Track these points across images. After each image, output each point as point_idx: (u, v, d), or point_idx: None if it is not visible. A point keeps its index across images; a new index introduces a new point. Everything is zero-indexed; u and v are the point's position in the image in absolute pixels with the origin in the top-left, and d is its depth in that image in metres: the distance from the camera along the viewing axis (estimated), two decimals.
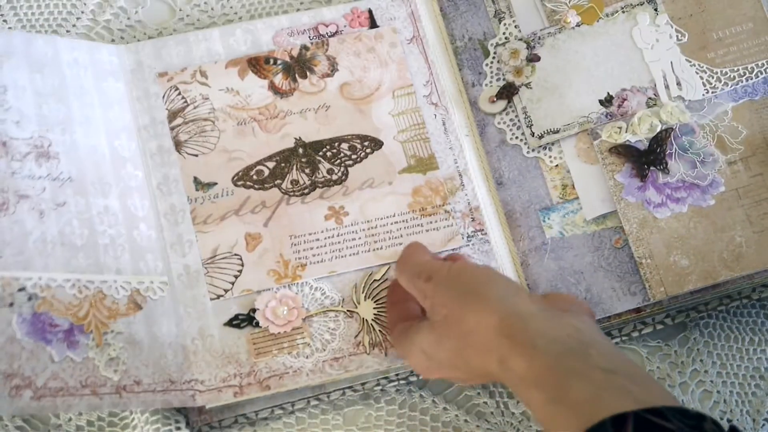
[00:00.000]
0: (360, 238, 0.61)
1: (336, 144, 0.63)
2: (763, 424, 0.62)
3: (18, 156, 0.57)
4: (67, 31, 0.70)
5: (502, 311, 0.47)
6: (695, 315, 0.63)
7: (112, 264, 0.57)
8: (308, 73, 0.65)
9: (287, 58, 0.65)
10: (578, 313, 0.49)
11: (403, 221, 0.62)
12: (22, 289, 0.53)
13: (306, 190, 0.62)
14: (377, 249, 0.61)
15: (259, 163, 0.63)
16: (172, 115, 0.63)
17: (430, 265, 0.53)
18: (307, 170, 0.63)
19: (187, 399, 0.56)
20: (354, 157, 0.63)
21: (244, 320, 0.59)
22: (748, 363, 0.63)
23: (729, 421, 0.62)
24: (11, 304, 0.52)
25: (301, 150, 0.63)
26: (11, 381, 0.50)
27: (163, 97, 0.63)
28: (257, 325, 0.59)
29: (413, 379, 0.61)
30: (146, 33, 0.69)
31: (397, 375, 0.61)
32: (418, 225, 0.62)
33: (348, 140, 0.64)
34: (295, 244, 0.61)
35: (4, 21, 0.70)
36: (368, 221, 0.62)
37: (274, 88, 0.64)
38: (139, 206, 0.60)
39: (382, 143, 0.64)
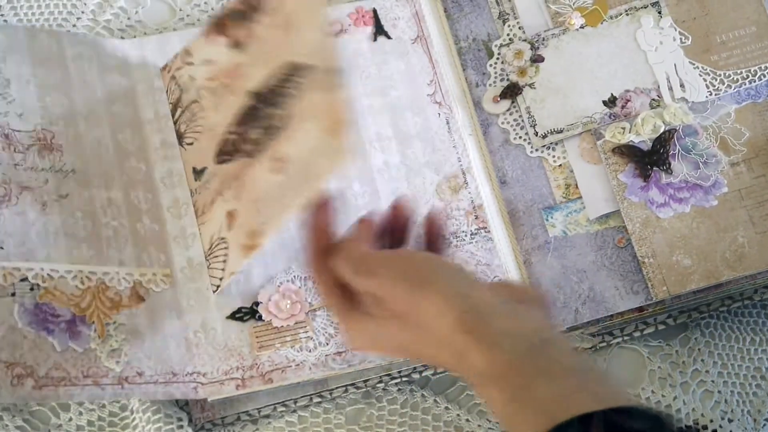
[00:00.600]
0: None
1: None
2: (764, 424, 0.62)
3: (21, 148, 0.56)
4: (68, 31, 0.70)
5: (460, 305, 0.44)
6: (697, 315, 0.63)
7: (114, 256, 0.57)
8: None
9: None
10: (535, 307, 0.47)
11: None
12: (24, 280, 0.52)
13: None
14: None
15: (227, 132, 0.59)
16: (174, 108, 0.62)
17: (370, 259, 0.47)
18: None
19: (189, 391, 0.56)
20: None
21: (247, 313, 0.58)
22: (749, 363, 0.63)
23: (730, 421, 0.62)
24: (13, 294, 0.52)
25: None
26: (13, 370, 0.50)
27: (166, 91, 0.63)
28: (260, 318, 0.58)
29: (416, 377, 0.61)
30: (146, 33, 0.69)
31: (399, 372, 0.60)
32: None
33: None
34: (261, 209, 0.56)
35: (5, 21, 0.69)
36: None
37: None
38: (142, 199, 0.60)
39: None
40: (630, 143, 0.62)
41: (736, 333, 0.64)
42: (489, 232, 0.62)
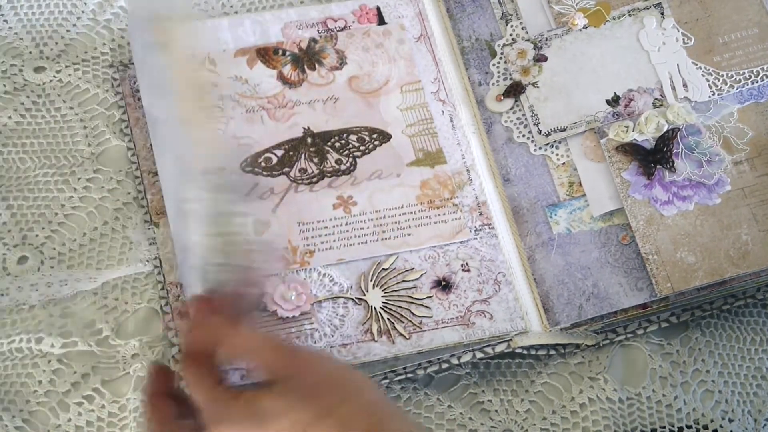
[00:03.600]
0: (368, 228, 0.61)
1: (344, 135, 0.63)
2: (765, 425, 0.62)
3: None
4: (68, 31, 0.69)
5: None
6: (699, 313, 0.63)
7: None
8: (317, 65, 0.65)
9: (296, 50, 0.65)
10: None
11: (412, 212, 0.62)
12: None
13: (314, 179, 0.62)
14: (385, 239, 0.61)
15: (267, 150, 0.62)
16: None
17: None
18: (315, 159, 0.62)
19: None
20: (362, 148, 0.63)
21: None
22: (750, 363, 0.63)
23: (730, 421, 0.62)
24: None
25: (309, 140, 0.63)
26: None
27: None
28: (265, 309, 0.58)
29: (420, 373, 0.61)
30: None
31: (404, 368, 0.60)
32: (426, 217, 0.62)
33: (356, 132, 0.64)
34: (303, 231, 0.60)
35: (5, 21, 0.69)
36: (377, 211, 0.61)
37: (282, 78, 0.64)
38: None
39: (391, 136, 0.64)
40: (634, 142, 0.62)
41: (737, 333, 0.64)
42: (493, 228, 0.62)
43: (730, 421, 0.62)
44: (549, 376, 0.62)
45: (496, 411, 0.61)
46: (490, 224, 0.62)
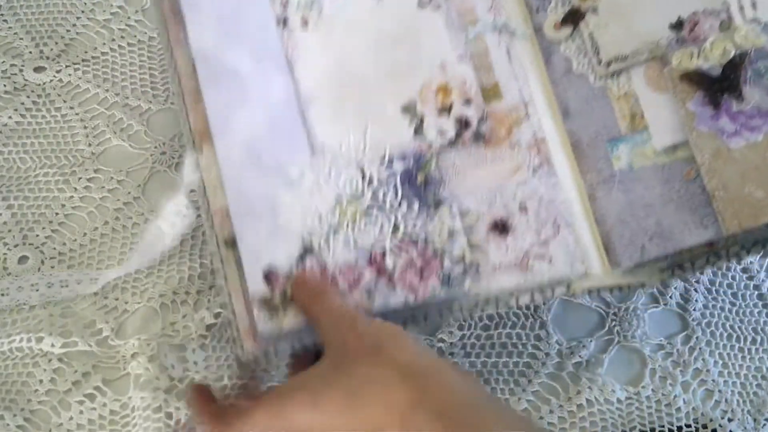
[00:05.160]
0: None
1: None
2: (765, 424, 0.62)
3: None
4: (68, 31, 0.69)
5: None
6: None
7: None
8: None
9: None
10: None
11: (467, 154, 0.59)
12: None
13: None
14: None
15: None
16: None
17: (350, 309, 0.52)
18: None
19: None
20: None
21: None
22: (750, 363, 0.63)
23: (730, 420, 0.62)
24: None
25: None
26: None
27: None
28: None
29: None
30: (147, 32, 0.69)
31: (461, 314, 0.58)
32: (482, 157, 0.59)
33: None
34: None
35: (5, 21, 0.69)
36: None
37: None
38: None
39: None
40: (699, 69, 0.58)
41: (738, 332, 0.64)
42: (552, 166, 0.59)
43: (730, 420, 0.62)
44: (547, 376, 0.62)
45: None
46: (549, 162, 0.59)
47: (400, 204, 0.57)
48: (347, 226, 0.56)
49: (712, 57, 0.58)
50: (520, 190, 0.58)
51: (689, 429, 0.62)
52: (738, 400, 0.62)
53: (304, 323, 0.52)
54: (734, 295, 0.64)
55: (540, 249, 0.57)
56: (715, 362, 0.63)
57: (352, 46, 0.60)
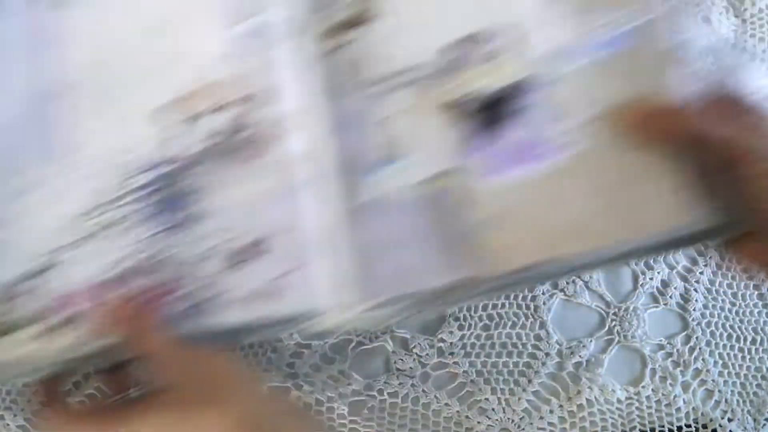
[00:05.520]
0: None
1: None
2: (765, 424, 0.62)
3: None
4: None
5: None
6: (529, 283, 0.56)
7: None
8: None
9: None
10: None
11: (230, 163, 0.55)
12: None
13: None
14: None
15: None
16: None
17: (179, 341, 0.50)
18: None
19: None
20: None
21: None
22: (750, 363, 0.63)
23: (730, 420, 0.62)
24: None
25: None
26: None
27: None
28: None
29: (417, 373, 0.61)
30: None
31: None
32: (242, 172, 0.55)
33: None
34: None
35: None
36: None
37: None
38: None
39: None
40: (465, 98, 0.55)
41: (738, 332, 0.64)
42: (311, 187, 0.54)
43: (730, 420, 0.62)
44: (547, 375, 0.62)
45: (494, 410, 0.62)
46: (310, 183, 0.55)
47: (150, 217, 0.53)
48: (92, 238, 0.52)
49: (479, 87, 0.55)
50: (277, 211, 0.54)
51: (689, 429, 0.62)
52: (738, 400, 0.62)
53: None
54: (734, 295, 0.64)
55: (292, 276, 0.54)
56: (715, 362, 0.63)
57: (109, 33, 0.54)
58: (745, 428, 0.62)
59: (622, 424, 0.62)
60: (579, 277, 0.62)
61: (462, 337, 0.63)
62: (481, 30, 0.55)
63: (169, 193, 0.53)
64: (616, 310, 0.64)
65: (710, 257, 0.66)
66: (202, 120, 0.54)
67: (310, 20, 0.57)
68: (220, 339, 0.52)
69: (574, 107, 0.54)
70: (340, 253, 0.54)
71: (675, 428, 0.62)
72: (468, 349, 0.63)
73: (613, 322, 0.64)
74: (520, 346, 0.63)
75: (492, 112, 0.55)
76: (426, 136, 0.55)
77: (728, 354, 0.63)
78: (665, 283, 0.65)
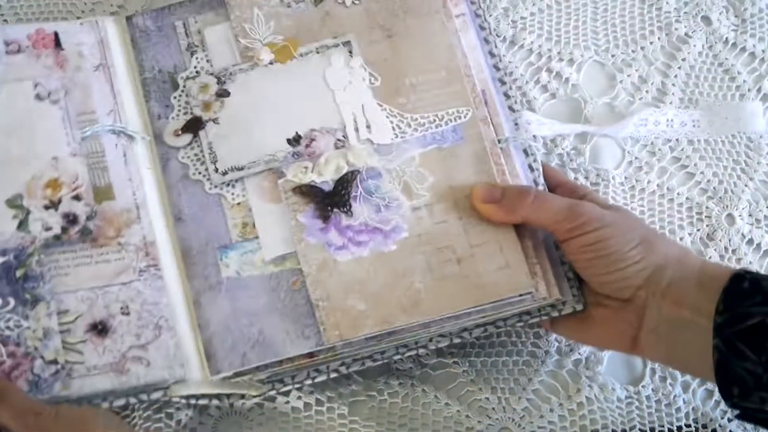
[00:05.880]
0: None
1: None
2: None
3: None
4: None
5: None
6: (371, 363, 0.60)
7: None
8: None
9: None
10: None
11: (72, 251, 0.59)
12: None
13: None
14: None
15: None
16: None
17: (34, 404, 0.53)
18: None
19: None
20: None
21: None
22: None
23: (729, 420, 0.62)
24: None
25: None
26: None
27: None
28: None
29: (417, 373, 0.62)
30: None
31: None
32: (88, 256, 0.59)
33: None
34: None
35: (5, 21, 0.70)
36: None
37: None
38: None
39: None
40: (311, 183, 0.60)
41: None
42: (160, 270, 0.59)
43: (730, 420, 0.62)
44: (547, 374, 0.63)
45: (494, 409, 0.61)
46: (157, 265, 0.59)
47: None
48: None
49: (325, 172, 0.60)
50: (124, 292, 0.59)
51: (689, 429, 0.62)
52: None
53: None
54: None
55: (138, 352, 0.57)
56: None
57: None
58: (745, 428, 0.62)
59: (622, 423, 0.62)
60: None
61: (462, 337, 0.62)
62: (324, 125, 0.61)
63: (18, 275, 0.57)
64: None
65: (710, 257, 0.66)
66: (50, 210, 0.59)
67: (151, 125, 0.63)
68: (86, 401, 0.56)
69: (407, 194, 0.60)
70: (187, 329, 0.58)
71: (675, 428, 0.62)
72: (468, 348, 0.63)
73: None
74: (520, 345, 0.63)
75: (338, 196, 0.60)
76: (276, 218, 0.60)
77: None
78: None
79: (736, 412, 0.52)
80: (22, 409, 0.52)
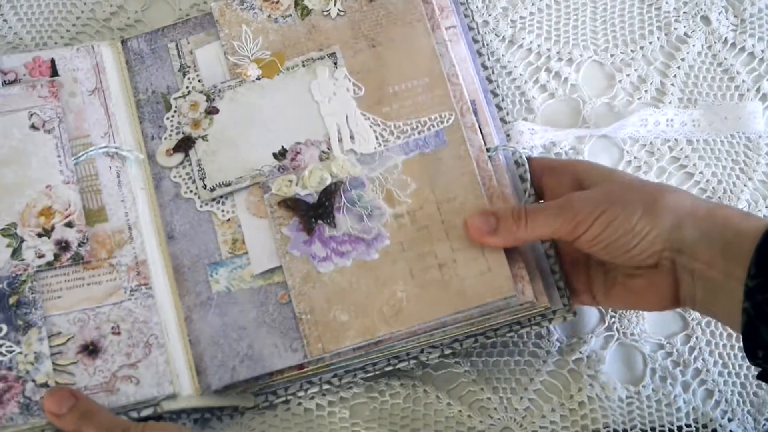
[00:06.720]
0: None
1: None
2: (765, 424, 0.62)
3: None
4: (67, 31, 0.71)
5: None
6: (363, 375, 0.61)
7: None
8: None
9: None
10: None
11: (64, 274, 0.60)
12: None
13: None
14: None
15: None
16: None
17: (120, 422, 0.55)
18: None
19: None
20: None
21: None
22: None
23: (730, 420, 0.62)
24: None
25: None
26: None
27: None
28: None
29: (418, 374, 0.62)
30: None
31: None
32: (80, 278, 0.60)
33: None
34: None
35: (4, 21, 0.71)
36: None
37: None
38: None
39: None
40: (296, 196, 0.61)
41: (738, 332, 0.64)
42: (150, 288, 0.60)
43: (730, 420, 0.62)
44: (548, 374, 0.63)
45: (495, 409, 0.62)
46: (148, 284, 0.60)
47: None
48: None
49: (309, 184, 0.61)
50: (115, 312, 0.59)
51: (689, 429, 0.62)
52: (738, 400, 0.63)
53: None
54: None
55: (128, 371, 0.58)
56: (715, 362, 0.63)
57: None
58: (745, 428, 0.62)
59: (623, 422, 0.62)
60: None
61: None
62: (308, 138, 0.62)
63: (11, 302, 0.58)
64: None
65: None
66: (43, 238, 0.60)
67: (144, 147, 0.64)
68: None
69: (390, 201, 0.60)
70: (178, 345, 0.60)
71: (675, 428, 0.62)
72: (469, 349, 0.63)
73: (613, 320, 0.64)
74: (521, 345, 0.64)
75: (322, 208, 0.60)
76: (263, 233, 0.61)
77: (728, 354, 0.64)
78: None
79: (759, 370, 0.52)
80: (109, 427, 0.54)
